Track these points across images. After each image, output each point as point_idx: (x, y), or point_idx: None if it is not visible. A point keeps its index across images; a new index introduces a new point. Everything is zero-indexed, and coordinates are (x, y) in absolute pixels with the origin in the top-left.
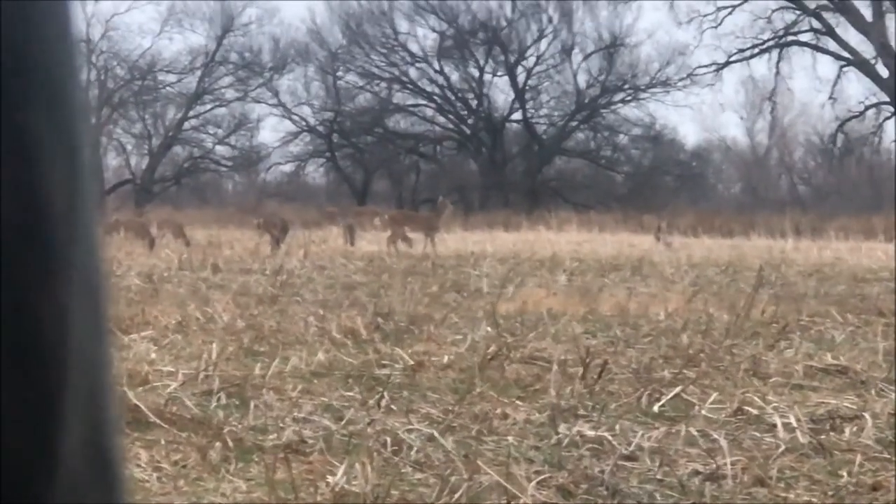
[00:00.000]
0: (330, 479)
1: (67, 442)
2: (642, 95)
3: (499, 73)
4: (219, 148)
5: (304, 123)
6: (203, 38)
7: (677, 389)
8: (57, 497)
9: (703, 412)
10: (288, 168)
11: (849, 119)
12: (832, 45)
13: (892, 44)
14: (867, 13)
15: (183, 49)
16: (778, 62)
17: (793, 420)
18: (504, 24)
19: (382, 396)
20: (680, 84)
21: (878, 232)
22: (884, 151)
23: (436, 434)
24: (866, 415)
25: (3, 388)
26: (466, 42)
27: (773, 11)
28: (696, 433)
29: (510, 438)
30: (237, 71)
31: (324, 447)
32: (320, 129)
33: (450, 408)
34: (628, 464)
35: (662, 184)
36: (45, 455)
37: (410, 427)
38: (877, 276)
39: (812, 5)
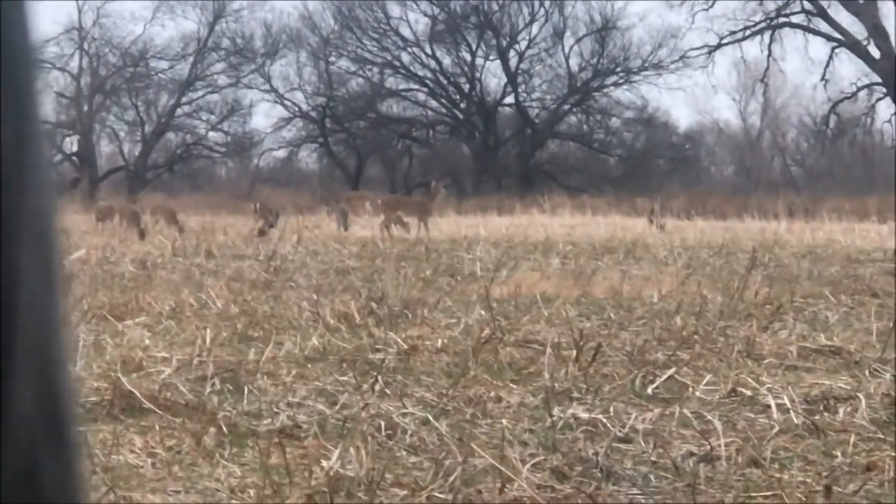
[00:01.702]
0: (324, 463)
1: (20, 395)
2: (634, 78)
3: (491, 57)
4: (211, 134)
5: (296, 109)
6: (195, 24)
7: (671, 371)
8: (8, 452)
9: (697, 394)
10: (281, 154)
11: (841, 100)
12: (824, 26)
13: (884, 24)
14: None
15: (175, 35)
16: (770, 44)
17: (787, 401)
18: (496, 7)
19: (376, 381)
20: (672, 67)
21: (871, 213)
22: (876, 132)
23: (430, 418)
24: (860, 395)
25: None
26: (458, 26)
27: None
28: (689, 415)
29: (504, 421)
30: (229, 57)
31: (318, 431)
32: (313, 114)
33: (444, 391)
34: (622, 446)
35: (655, 167)
36: None
37: (405, 411)
38: (870, 256)
39: None
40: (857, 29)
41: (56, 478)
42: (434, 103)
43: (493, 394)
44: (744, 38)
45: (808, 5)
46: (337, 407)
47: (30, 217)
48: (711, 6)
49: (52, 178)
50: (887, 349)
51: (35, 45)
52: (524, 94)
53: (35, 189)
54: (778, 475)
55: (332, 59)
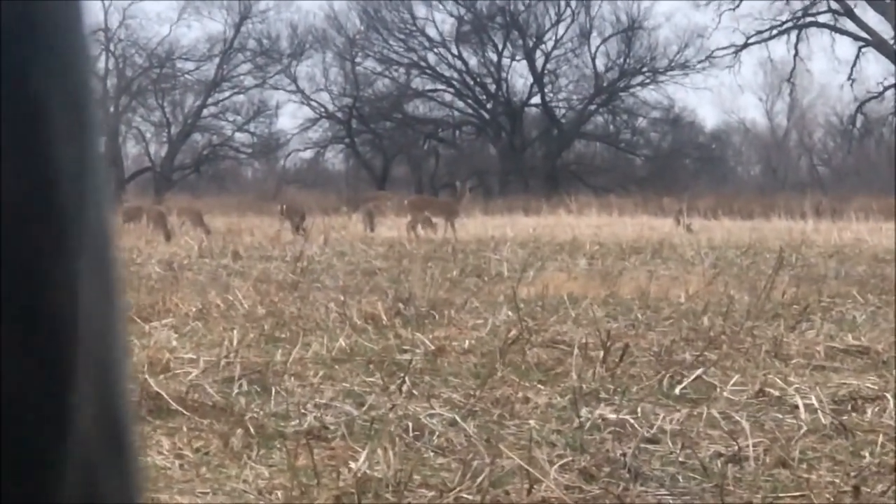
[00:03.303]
0: (352, 464)
1: (80, 411)
2: (661, 78)
3: (517, 58)
4: (238, 135)
5: (322, 110)
6: (221, 25)
7: (699, 372)
8: (70, 471)
9: (725, 394)
10: (307, 154)
11: (868, 100)
12: (850, 25)
13: None
14: None
15: (201, 36)
16: (796, 43)
17: (814, 401)
18: (522, 8)
19: (404, 382)
20: (698, 66)
21: None
22: None
23: (457, 419)
24: (888, 395)
25: (14, 355)
26: (484, 26)
27: None
28: (717, 415)
29: (532, 422)
30: (255, 58)
31: (346, 433)
32: (339, 115)
33: (471, 392)
34: (650, 446)
35: (682, 167)
36: (57, 424)
37: (432, 412)
38: None
39: None
40: (883, 28)
41: (117, 490)
42: (460, 104)
43: (520, 394)
44: (770, 38)
45: (834, 5)
46: (364, 408)
47: (91, 235)
48: (738, 6)
49: (110, 183)
50: None
51: (87, 35)
52: (550, 95)
53: (94, 194)
54: (806, 475)
55: (358, 59)
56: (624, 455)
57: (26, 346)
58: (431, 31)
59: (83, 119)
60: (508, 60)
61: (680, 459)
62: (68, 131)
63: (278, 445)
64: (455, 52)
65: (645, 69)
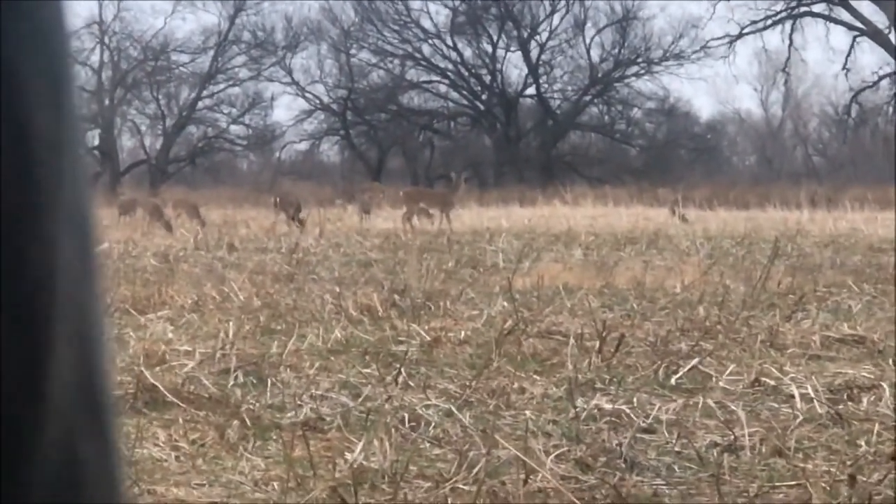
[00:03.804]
0: (348, 455)
1: (57, 380)
2: (656, 69)
3: (512, 49)
4: (233, 127)
5: (317, 101)
6: (215, 17)
7: (694, 361)
8: (48, 438)
9: (721, 384)
10: (302, 146)
11: (863, 89)
12: (845, 15)
13: None
14: None
15: (196, 29)
16: (791, 33)
17: (810, 390)
18: None
19: (399, 373)
20: (693, 57)
21: (893, 202)
22: None
23: (453, 409)
24: (884, 384)
25: None
26: (479, 17)
27: None
28: (713, 405)
29: (528, 413)
30: (250, 50)
31: (341, 424)
32: (334, 106)
33: (467, 383)
34: (646, 436)
35: (677, 157)
36: (34, 393)
37: (428, 403)
38: (893, 245)
39: None
40: (878, 18)
41: (96, 464)
42: (455, 95)
43: (516, 385)
44: (765, 28)
45: None
46: (360, 399)
47: (67, 202)
48: None
49: (89, 163)
50: None
51: (69, 29)
52: (545, 86)
53: (72, 174)
54: (802, 465)
55: (352, 51)
56: (620, 445)
57: (2, 308)
58: (426, 23)
59: (58, 85)
60: (503, 51)
61: (676, 449)
62: (43, 97)
63: (274, 437)
64: (450, 43)
65: (640, 60)
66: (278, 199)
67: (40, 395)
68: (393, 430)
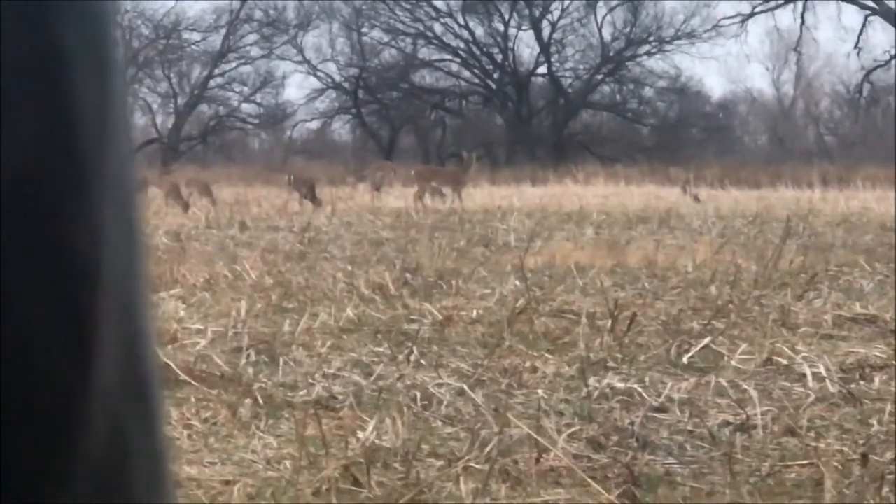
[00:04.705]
0: (360, 434)
1: (103, 357)
2: (667, 48)
3: (523, 27)
4: (244, 106)
5: (329, 80)
6: None
7: (706, 340)
8: (93, 418)
9: (733, 363)
10: (314, 125)
11: (875, 68)
12: None
13: None
14: None
15: (207, 7)
16: (803, 12)
17: (822, 369)
18: None
19: (412, 351)
20: (705, 36)
21: None
22: None
23: (465, 388)
24: None
25: (35, 302)
26: None
27: None
28: (725, 384)
29: (540, 392)
30: (262, 28)
31: (354, 403)
32: (346, 85)
33: (479, 362)
34: (658, 415)
35: (689, 136)
36: (79, 367)
37: (440, 382)
38: None
39: None
40: None
41: (143, 445)
42: (467, 74)
43: (528, 364)
44: (777, 7)
45: None
46: (372, 378)
47: (111, 182)
48: None
49: (134, 140)
50: None
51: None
52: (557, 65)
53: (115, 131)
54: (814, 444)
55: (364, 29)
56: (632, 424)
57: (48, 286)
58: (438, 1)
59: (103, 58)
60: (515, 30)
61: (688, 428)
62: (88, 70)
63: (286, 415)
64: (462, 21)
65: (651, 38)
66: (292, 178)
67: (87, 373)
68: (405, 408)
